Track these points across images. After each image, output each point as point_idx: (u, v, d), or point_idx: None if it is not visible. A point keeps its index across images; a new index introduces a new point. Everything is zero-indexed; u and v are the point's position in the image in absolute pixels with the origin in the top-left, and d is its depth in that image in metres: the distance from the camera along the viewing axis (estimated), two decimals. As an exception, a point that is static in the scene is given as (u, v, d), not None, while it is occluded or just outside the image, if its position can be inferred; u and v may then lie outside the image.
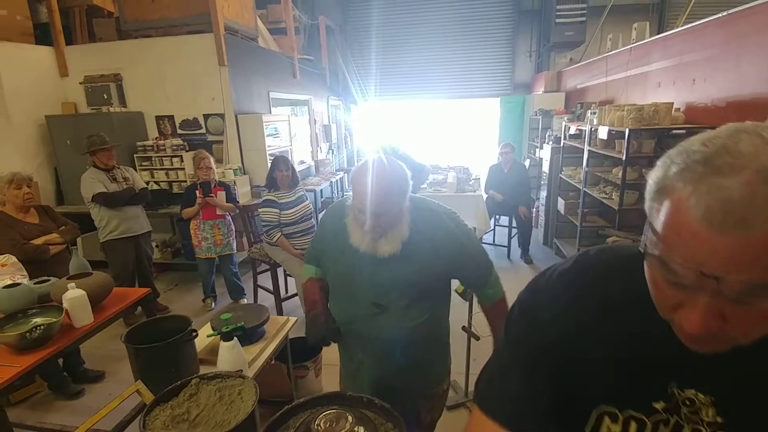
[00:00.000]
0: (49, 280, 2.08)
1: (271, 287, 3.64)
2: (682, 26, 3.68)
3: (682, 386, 0.56)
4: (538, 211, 5.83)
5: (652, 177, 0.48)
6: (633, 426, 0.58)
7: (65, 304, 1.78)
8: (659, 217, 0.45)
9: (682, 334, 0.49)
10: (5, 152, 4.23)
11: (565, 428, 0.65)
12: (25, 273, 2.21)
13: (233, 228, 3.83)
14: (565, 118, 5.36)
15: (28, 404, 2.67)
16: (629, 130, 3.17)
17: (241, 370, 1.52)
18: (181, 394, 1.27)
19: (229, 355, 1.66)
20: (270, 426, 1.09)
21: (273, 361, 2.24)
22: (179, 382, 1.30)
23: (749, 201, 0.39)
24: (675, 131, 3.32)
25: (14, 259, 2.21)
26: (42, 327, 1.63)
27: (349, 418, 1.02)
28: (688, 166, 0.43)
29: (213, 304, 3.94)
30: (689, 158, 0.43)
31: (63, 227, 2.73)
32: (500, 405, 0.65)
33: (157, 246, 4.45)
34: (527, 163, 6.48)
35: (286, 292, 3.99)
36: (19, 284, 1.93)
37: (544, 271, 0.69)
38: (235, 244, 3.87)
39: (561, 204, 4.81)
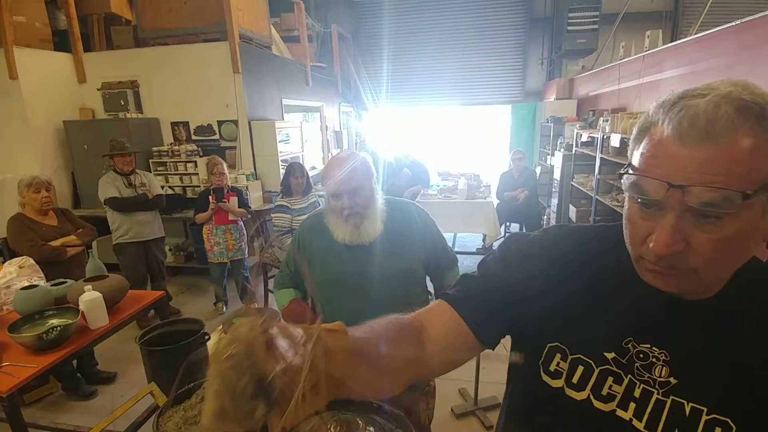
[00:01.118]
0: (65, 282, 2.12)
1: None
2: (695, 34, 3.66)
3: (639, 341, 0.58)
4: (549, 219, 5.79)
5: (636, 125, 0.53)
6: (580, 369, 0.60)
7: (81, 306, 1.82)
8: (639, 150, 0.51)
9: (648, 270, 0.52)
10: (24, 156, 4.33)
11: (525, 357, 0.68)
12: (42, 275, 2.25)
13: (245, 233, 3.87)
14: (577, 126, 5.33)
15: (42, 404, 2.71)
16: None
17: (253, 374, 1.53)
18: (194, 396, 1.29)
19: (240, 358, 1.67)
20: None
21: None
22: (192, 384, 1.32)
23: (713, 116, 0.44)
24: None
25: (31, 261, 2.26)
26: (58, 328, 1.66)
27: (360, 422, 1.02)
28: (667, 100, 0.49)
29: (224, 308, 3.97)
30: (668, 97, 0.49)
31: (80, 230, 2.79)
32: (465, 302, 0.68)
33: (170, 250, 4.51)
34: (538, 170, 6.45)
35: (296, 297, 4.00)
36: (36, 286, 1.97)
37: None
38: (246, 249, 3.90)
39: (572, 212, 4.78)
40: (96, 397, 2.77)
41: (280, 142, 4.92)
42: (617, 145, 3.62)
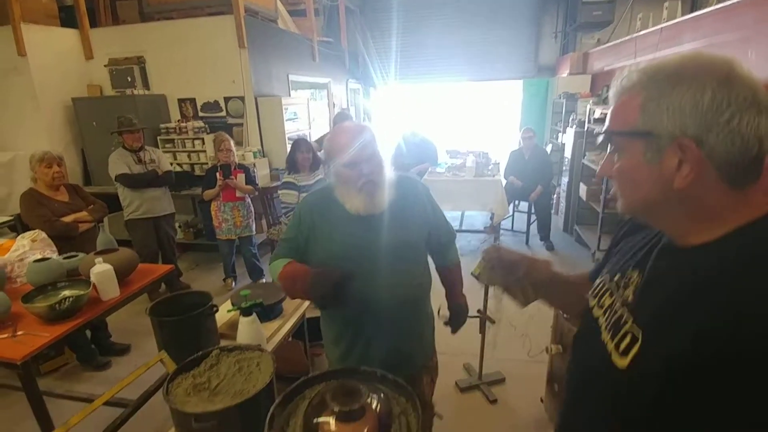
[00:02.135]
0: (77, 256, 2.16)
1: None
2: (714, 6, 3.50)
3: (633, 269, 0.72)
4: (558, 198, 5.72)
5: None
6: (605, 287, 0.78)
7: (93, 278, 1.85)
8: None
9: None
10: (34, 133, 4.36)
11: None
12: (55, 249, 2.29)
13: (252, 210, 3.89)
14: (591, 102, 5.20)
15: (58, 375, 2.80)
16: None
17: (260, 345, 1.56)
18: (203, 364, 1.31)
19: (249, 329, 1.70)
20: (287, 396, 1.12)
21: (290, 339, 2.29)
22: (200, 353, 1.35)
23: (618, 84, 0.66)
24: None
25: (44, 235, 2.30)
26: (71, 299, 1.70)
27: (363, 389, 1.03)
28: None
29: (233, 284, 4.03)
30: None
31: (92, 206, 2.82)
32: None
33: (179, 226, 4.56)
34: (549, 148, 6.34)
35: (304, 273, 4.05)
36: (48, 259, 2.01)
37: None
38: (254, 226, 3.93)
39: (583, 190, 4.71)
40: (110, 367, 2.85)
41: (287, 120, 4.89)
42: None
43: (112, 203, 3.72)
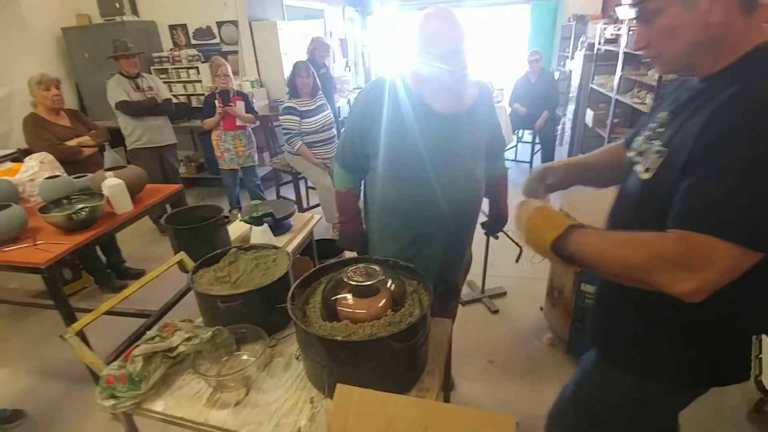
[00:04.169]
0: (86, 176, 2.17)
1: (294, 199, 3.74)
2: None
3: (663, 111, 0.87)
4: (563, 128, 5.63)
5: None
6: (641, 140, 0.89)
7: (105, 192, 1.88)
8: None
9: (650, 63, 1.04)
10: (26, 66, 4.20)
11: None
12: (63, 170, 2.30)
13: (254, 140, 3.85)
14: (601, 23, 4.96)
15: (78, 297, 2.93)
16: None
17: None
18: (222, 261, 1.38)
19: (261, 239, 1.75)
20: (304, 280, 1.18)
21: (299, 255, 2.36)
22: (219, 250, 1.40)
23: None
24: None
25: (51, 156, 2.30)
26: (87, 209, 1.74)
27: (378, 269, 1.09)
28: None
29: (238, 215, 4.07)
30: None
31: (93, 131, 2.80)
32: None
33: (181, 161, 4.55)
34: (556, 75, 6.13)
35: (308, 203, 4.09)
36: (59, 176, 2.03)
37: None
38: (256, 157, 3.91)
39: (589, 116, 4.63)
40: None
41: (283, 55, 4.65)
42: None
43: (112, 137, 3.69)
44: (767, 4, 0.72)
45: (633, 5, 0.76)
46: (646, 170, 0.80)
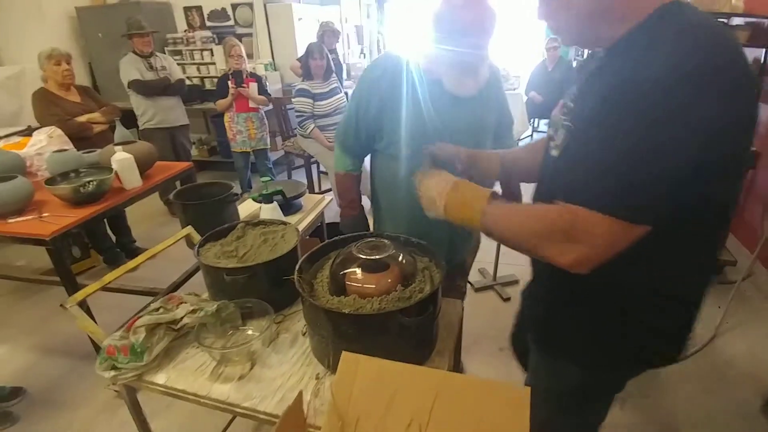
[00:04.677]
0: (95, 151, 2.15)
1: (305, 183, 3.70)
2: None
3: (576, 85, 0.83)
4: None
5: None
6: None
7: (114, 166, 1.85)
8: None
9: None
10: (40, 45, 4.16)
11: None
12: (71, 145, 2.28)
13: (266, 123, 3.81)
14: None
15: (86, 275, 2.92)
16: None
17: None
18: (229, 235, 1.34)
19: (271, 216, 1.72)
20: (312, 254, 1.14)
21: (308, 237, 2.32)
22: (227, 225, 1.37)
23: None
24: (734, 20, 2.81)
25: (60, 131, 2.28)
26: (95, 182, 1.71)
27: (388, 244, 1.04)
28: None
29: (249, 198, 4.06)
30: None
31: (104, 108, 2.78)
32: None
33: (193, 143, 4.53)
34: (574, 64, 5.98)
35: (320, 188, 4.06)
36: (67, 150, 2.01)
37: None
38: (268, 139, 3.87)
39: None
40: (136, 269, 2.97)
41: (298, 32, 4.60)
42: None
43: (124, 117, 3.68)
44: None
45: None
46: (556, 147, 0.81)
